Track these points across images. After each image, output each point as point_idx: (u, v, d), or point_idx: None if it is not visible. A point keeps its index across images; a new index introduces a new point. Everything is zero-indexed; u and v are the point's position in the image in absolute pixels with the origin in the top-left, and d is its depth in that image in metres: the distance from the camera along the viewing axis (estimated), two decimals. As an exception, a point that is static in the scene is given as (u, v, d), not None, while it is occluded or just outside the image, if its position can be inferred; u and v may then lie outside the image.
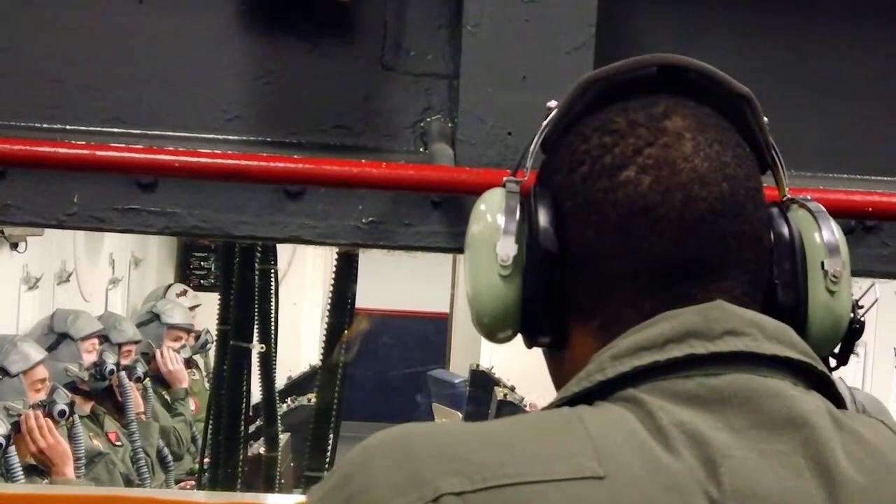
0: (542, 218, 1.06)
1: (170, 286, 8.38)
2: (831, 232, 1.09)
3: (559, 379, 1.12)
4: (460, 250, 1.70)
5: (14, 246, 5.47)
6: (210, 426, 3.13)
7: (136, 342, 6.22)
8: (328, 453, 2.96)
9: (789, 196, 1.13)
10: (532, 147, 1.12)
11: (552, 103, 1.11)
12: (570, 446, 0.92)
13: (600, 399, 0.98)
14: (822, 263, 1.08)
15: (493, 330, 1.10)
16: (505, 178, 1.12)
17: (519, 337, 1.13)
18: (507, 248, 1.07)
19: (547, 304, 1.06)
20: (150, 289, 8.42)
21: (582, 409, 0.97)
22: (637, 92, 1.07)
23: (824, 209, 1.11)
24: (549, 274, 1.06)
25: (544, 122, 1.11)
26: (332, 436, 2.96)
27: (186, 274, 9.10)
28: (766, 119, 1.10)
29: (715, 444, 0.92)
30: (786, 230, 1.08)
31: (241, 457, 3.00)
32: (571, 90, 1.10)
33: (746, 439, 0.93)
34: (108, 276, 7.53)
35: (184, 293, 8.21)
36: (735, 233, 1.02)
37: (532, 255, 1.06)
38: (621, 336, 1.01)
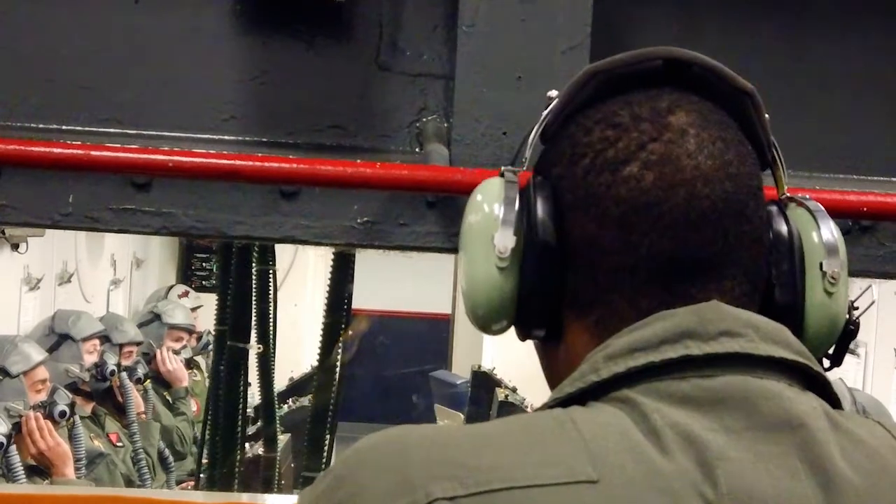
0: (542, 210, 1.04)
1: (171, 287, 8.38)
2: (830, 232, 1.08)
3: (551, 373, 1.11)
4: (455, 250, 1.70)
5: (15, 247, 5.47)
6: (208, 426, 3.12)
7: (137, 343, 6.22)
8: (325, 453, 2.95)
9: (788, 195, 1.12)
10: (532, 137, 1.10)
11: (553, 93, 1.10)
12: (563, 450, 0.91)
13: (594, 399, 0.97)
14: (821, 264, 1.07)
15: (488, 322, 1.09)
16: (503, 168, 1.10)
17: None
18: (506, 240, 1.05)
19: (544, 299, 1.05)
20: (151, 290, 8.42)
21: (575, 411, 0.96)
22: (640, 85, 1.06)
23: (823, 208, 1.10)
24: (548, 267, 1.04)
25: (544, 112, 1.09)
26: (328, 436, 2.95)
27: (188, 275, 9.10)
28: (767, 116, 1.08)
29: (710, 446, 0.91)
30: (785, 230, 1.07)
31: (239, 457, 2.99)
32: (573, 80, 1.08)
33: (742, 441, 0.92)
34: (109, 277, 7.54)
35: (186, 294, 8.20)
36: (736, 232, 1.01)
37: (530, 248, 1.05)
38: (615, 336, 0.99)
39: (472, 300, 1.08)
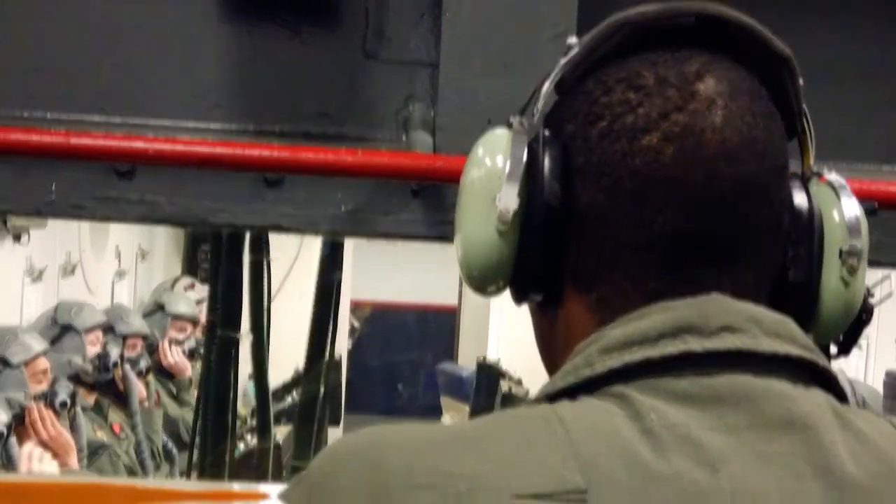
0: (551, 171, 0.97)
1: (177, 279, 8.36)
2: (853, 213, 1.02)
3: (543, 341, 1.07)
4: (440, 238, 1.70)
5: (17, 238, 5.47)
6: (199, 416, 3.12)
7: (143, 336, 6.21)
8: (312, 443, 2.94)
9: (814, 170, 1.06)
10: (546, 87, 1.01)
11: (572, 40, 1.01)
12: (549, 455, 0.87)
13: (586, 393, 0.92)
14: (840, 252, 1.01)
15: (483, 285, 1.03)
16: (512, 118, 1.02)
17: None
18: (509, 202, 0.98)
19: (544, 267, 0.99)
20: (156, 282, 8.40)
21: (564, 409, 0.90)
22: (668, 42, 0.97)
23: (847, 185, 1.05)
24: (551, 234, 0.98)
25: (562, 61, 1.00)
26: (318, 425, 2.95)
27: (194, 267, 9.08)
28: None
29: (710, 446, 0.87)
30: (805, 208, 1.01)
31: (229, 447, 2.99)
32: (598, 29, 0.99)
33: (744, 441, 0.88)
34: (114, 269, 7.53)
35: (192, 286, 8.16)
36: (755, 216, 0.95)
37: (534, 212, 0.98)
38: (610, 326, 0.94)
39: (468, 262, 1.02)
